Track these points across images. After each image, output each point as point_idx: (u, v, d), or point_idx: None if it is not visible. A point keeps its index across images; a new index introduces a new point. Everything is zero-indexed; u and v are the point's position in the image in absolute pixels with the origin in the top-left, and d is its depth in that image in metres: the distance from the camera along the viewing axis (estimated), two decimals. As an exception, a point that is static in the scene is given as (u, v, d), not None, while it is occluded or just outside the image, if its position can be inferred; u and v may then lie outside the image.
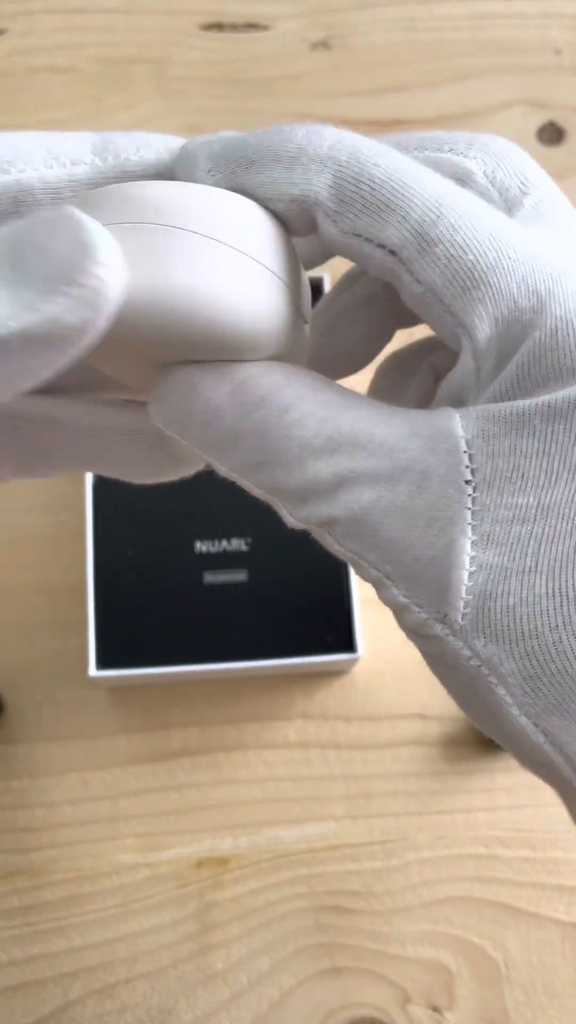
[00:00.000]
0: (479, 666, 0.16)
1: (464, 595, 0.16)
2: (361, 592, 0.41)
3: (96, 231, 0.14)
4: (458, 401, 0.18)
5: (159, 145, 0.18)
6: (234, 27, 0.54)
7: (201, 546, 0.41)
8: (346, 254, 0.18)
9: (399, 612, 0.17)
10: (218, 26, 0.53)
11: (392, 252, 0.17)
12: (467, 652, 0.16)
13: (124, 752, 0.42)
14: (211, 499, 0.41)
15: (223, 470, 0.18)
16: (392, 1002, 0.40)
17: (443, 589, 0.16)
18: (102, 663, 0.39)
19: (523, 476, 0.16)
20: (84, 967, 0.40)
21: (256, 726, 0.43)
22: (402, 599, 0.17)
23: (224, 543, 0.41)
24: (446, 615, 0.16)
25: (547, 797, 0.42)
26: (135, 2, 0.54)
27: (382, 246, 0.17)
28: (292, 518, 0.18)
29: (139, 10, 0.54)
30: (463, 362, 0.17)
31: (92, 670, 0.39)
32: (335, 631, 0.40)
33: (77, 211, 0.14)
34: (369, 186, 0.17)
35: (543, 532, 0.16)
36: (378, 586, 0.17)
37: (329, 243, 0.18)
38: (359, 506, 0.17)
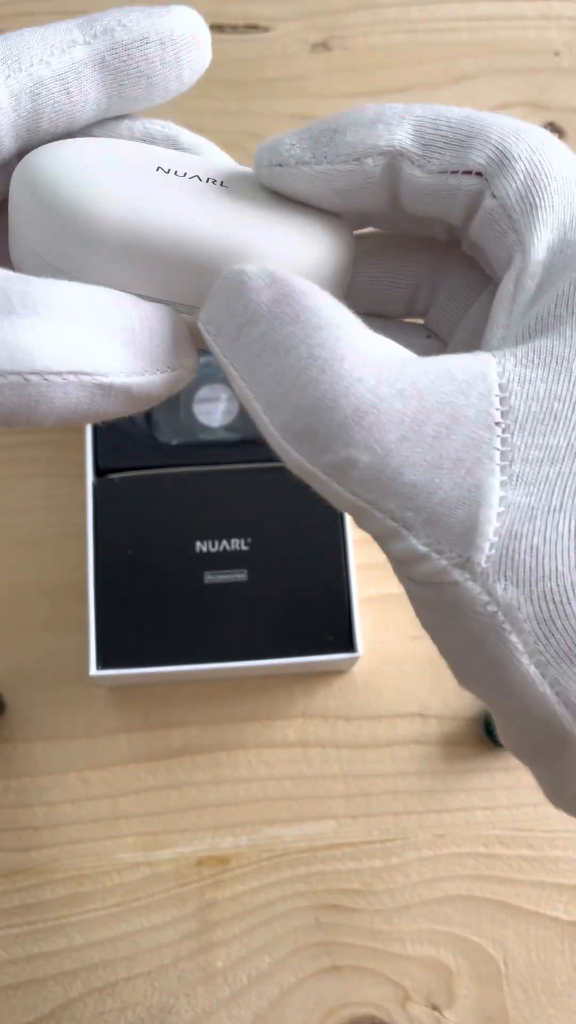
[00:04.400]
0: (495, 612, 0.16)
1: (491, 536, 0.16)
2: (361, 592, 0.42)
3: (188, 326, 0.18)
4: (487, 331, 0.18)
5: (138, 15, 0.20)
6: (234, 28, 0.54)
7: (201, 546, 0.41)
8: (431, 197, 0.19)
9: (413, 563, 0.17)
10: (218, 27, 0.53)
11: (479, 174, 0.18)
12: (485, 597, 0.16)
13: (124, 751, 0.43)
14: (211, 499, 0.41)
15: (240, 390, 0.17)
16: (392, 1000, 0.40)
17: (470, 531, 0.16)
18: (102, 663, 0.39)
19: (556, 418, 0.16)
20: (85, 965, 0.40)
21: (256, 725, 0.43)
22: (421, 548, 0.16)
23: (224, 543, 0.41)
24: (469, 558, 0.16)
25: (546, 796, 0.42)
26: (134, 3, 0.54)
27: (468, 172, 0.18)
28: (302, 458, 0.17)
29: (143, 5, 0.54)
30: (503, 288, 0.18)
31: (92, 670, 0.39)
32: (335, 631, 0.40)
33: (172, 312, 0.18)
34: (448, 124, 0.18)
35: (571, 471, 0.16)
36: (391, 537, 0.17)
37: (415, 191, 0.19)
38: (382, 447, 0.16)
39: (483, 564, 0.16)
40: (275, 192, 0.20)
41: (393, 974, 0.40)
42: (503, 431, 0.16)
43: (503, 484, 0.16)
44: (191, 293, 0.19)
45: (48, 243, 0.18)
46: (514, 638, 0.16)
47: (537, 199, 0.18)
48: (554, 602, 0.16)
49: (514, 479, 0.16)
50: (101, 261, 0.18)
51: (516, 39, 0.54)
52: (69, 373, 0.17)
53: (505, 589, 0.16)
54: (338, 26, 0.54)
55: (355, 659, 0.40)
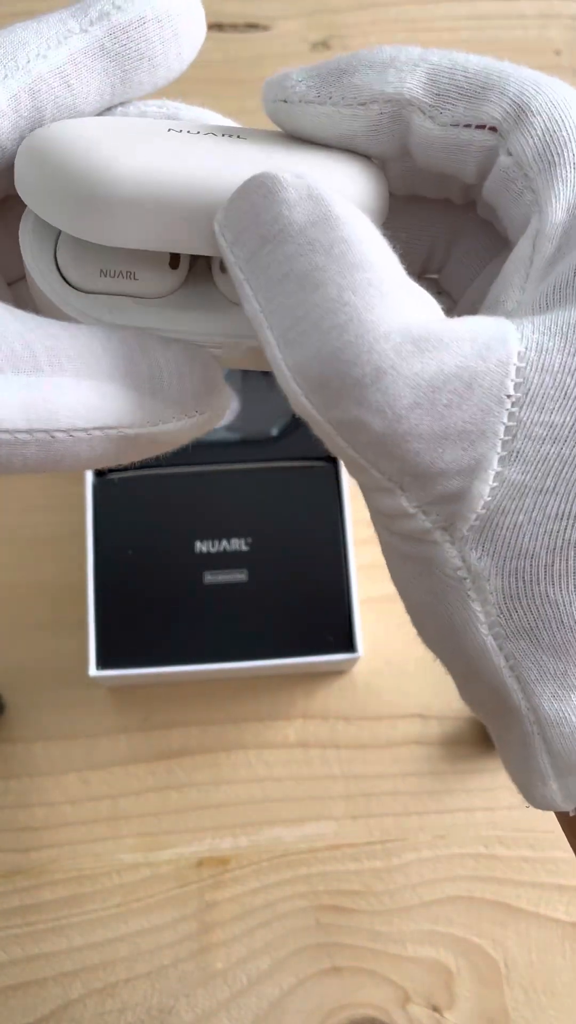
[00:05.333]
0: (464, 579, 0.16)
1: (479, 509, 0.16)
2: (361, 592, 0.41)
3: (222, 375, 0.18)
4: (500, 293, 0.17)
5: None
6: (234, 27, 0.54)
7: (201, 546, 0.41)
8: (442, 152, 0.18)
9: (398, 519, 0.17)
10: (218, 26, 0.53)
11: (493, 129, 0.17)
12: (458, 563, 0.16)
13: (124, 752, 0.42)
14: (211, 499, 0.41)
15: (251, 309, 0.16)
16: (392, 1002, 0.40)
17: (460, 500, 0.16)
18: (102, 663, 0.39)
19: (566, 395, 0.16)
20: (84, 966, 0.40)
21: (256, 726, 0.43)
22: (410, 508, 0.16)
23: (224, 543, 0.41)
24: (453, 524, 0.16)
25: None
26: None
27: (482, 127, 0.17)
28: (309, 405, 0.16)
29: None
30: (518, 249, 0.17)
31: (92, 670, 0.39)
32: (335, 631, 0.40)
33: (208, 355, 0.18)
34: (464, 75, 0.17)
35: (571, 454, 0.16)
36: (382, 493, 0.16)
37: (427, 143, 0.18)
38: (393, 412, 0.15)
39: (464, 532, 0.16)
40: (298, 139, 0.19)
41: (393, 975, 0.40)
42: (512, 404, 0.16)
43: (502, 460, 0.16)
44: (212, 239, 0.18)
45: (64, 212, 0.17)
46: (477, 607, 0.16)
47: (556, 156, 0.17)
48: (523, 580, 0.16)
49: (513, 455, 0.16)
50: (122, 218, 0.17)
51: (516, 38, 0.54)
52: (95, 429, 0.16)
53: (480, 559, 0.16)
54: (338, 25, 0.54)
55: (355, 659, 0.40)
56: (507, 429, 0.16)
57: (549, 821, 0.42)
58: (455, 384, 0.15)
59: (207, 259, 0.19)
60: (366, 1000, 0.40)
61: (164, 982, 0.40)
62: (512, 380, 0.15)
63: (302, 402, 0.16)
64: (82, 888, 0.41)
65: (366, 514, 0.49)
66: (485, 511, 0.16)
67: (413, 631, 0.48)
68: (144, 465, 0.43)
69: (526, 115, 0.17)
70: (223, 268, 0.18)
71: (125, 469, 0.41)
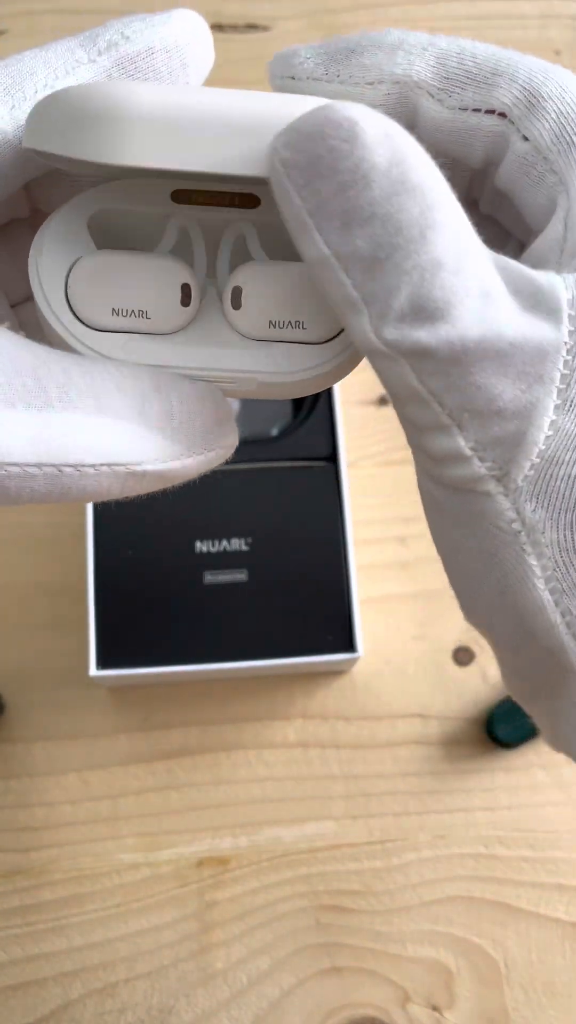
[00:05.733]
0: (519, 532, 0.16)
1: (534, 457, 0.16)
2: (361, 592, 0.41)
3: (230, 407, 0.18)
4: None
5: (140, 25, 0.19)
6: (234, 28, 0.54)
7: (201, 546, 0.41)
8: (449, 136, 0.18)
9: (451, 463, 0.16)
10: (218, 27, 0.53)
11: (502, 115, 0.17)
12: (512, 515, 0.16)
13: (124, 752, 0.42)
14: (211, 499, 0.41)
15: (316, 253, 0.16)
16: (392, 1001, 0.40)
17: (516, 446, 0.16)
18: (102, 663, 0.39)
19: None
20: (84, 966, 0.40)
21: (256, 726, 0.43)
22: (467, 450, 0.16)
23: (224, 543, 0.41)
24: (508, 473, 0.16)
25: (547, 796, 0.42)
26: (135, 3, 0.54)
27: (491, 112, 0.17)
28: (373, 335, 0.16)
29: (139, 11, 0.54)
30: (550, 230, 0.17)
31: (92, 670, 0.39)
32: (335, 631, 0.40)
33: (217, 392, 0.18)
34: (473, 60, 0.18)
35: None
36: (439, 432, 0.16)
37: (434, 126, 0.18)
38: (462, 344, 0.15)
39: (519, 482, 0.16)
40: None
41: (393, 975, 0.40)
42: (567, 352, 0.16)
43: (557, 408, 0.16)
44: (240, 160, 0.17)
45: (80, 141, 0.16)
46: (533, 561, 0.16)
47: (575, 136, 0.17)
48: None
49: (568, 404, 0.16)
50: (140, 140, 0.16)
51: (517, 38, 0.54)
52: (103, 465, 0.17)
53: (534, 511, 0.16)
54: (338, 25, 0.54)
55: (355, 659, 0.40)
56: (562, 377, 0.16)
57: (549, 822, 0.42)
58: (519, 325, 0.16)
59: (218, 293, 0.19)
60: (366, 1000, 0.40)
61: (164, 982, 0.40)
62: (568, 328, 0.16)
63: (369, 337, 0.16)
64: (82, 888, 0.41)
65: (366, 514, 0.49)
66: (539, 460, 0.16)
67: (413, 631, 0.48)
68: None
69: (538, 100, 0.17)
70: (235, 303, 0.19)
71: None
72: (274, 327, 0.19)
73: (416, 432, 0.17)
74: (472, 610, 0.18)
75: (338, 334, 0.19)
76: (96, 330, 0.19)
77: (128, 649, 0.39)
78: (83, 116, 0.16)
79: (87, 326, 0.19)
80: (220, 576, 0.41)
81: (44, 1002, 0.39)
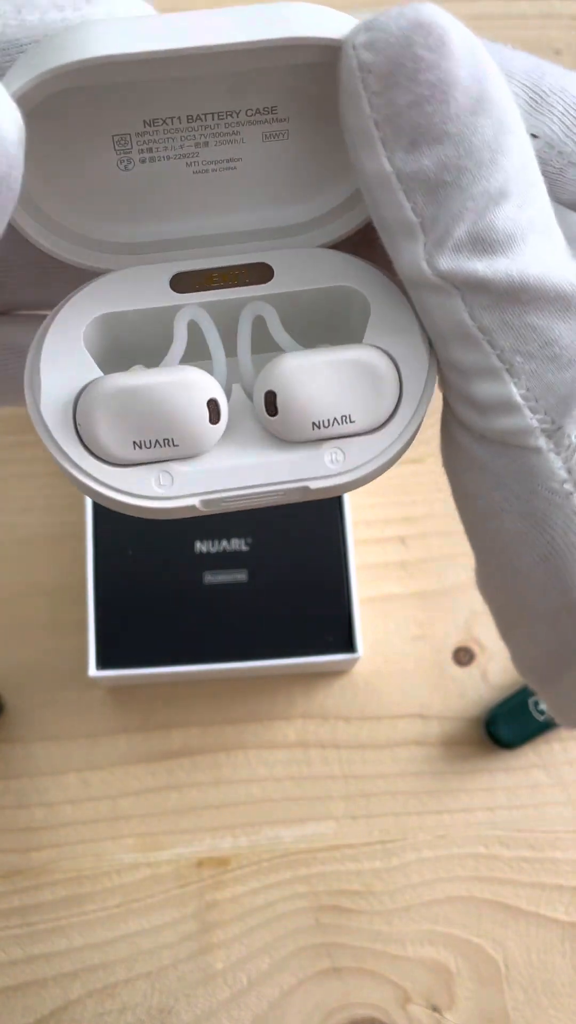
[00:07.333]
0: (571, 493, 0.15)
1: None
2: (361, 592, 0.41)
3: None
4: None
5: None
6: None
7: (201, 546, 0.41)
8: None
9: (498, 413, 0.15)
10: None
11: None
12: (564, 474, 0.15)
13: (124, 752, 0.42)
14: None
15: (374, 167, 0.14)
16: (392, 1002, 0.40)
17: (571, 397, 0.15)
18: (102, 663, 0.39)
19: None
20: (84, 967, 0.40)
21: (256, 726, 0.43)
22: (517, 397, 0.15)
23: (224, 543, 0.41)
24: (560, 427, 0.15)
25: (547, 797, 0.42)
26: (135, 2, 0.54)
27: None
28: (426, 264, 0.15)
29: (139, 10, 0.54)
30: None
31: (92, 670, 0.39)
32: (335, 631, 0.40)
33: None
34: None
35: None
36: (488, 377, 0.15)
37: None
38: (521, 279, 0.14)
39: (573, 438, 0.15)
40: None
41: (393, 975, 0.40)
42: None
43: None
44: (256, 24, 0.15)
45: (51, 49, 0.14)
46: None
47: None
48: None
49: None
50: (117, 30, 0.14)
51: (517, 38, 0.54)
52: None
53: None
54: (338, 25, 0.54)
55: (355, 659, 0.40)
56: None
57: (549, 822, 0.42)
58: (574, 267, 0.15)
59: (246, 392, 0.17)
60: (366, 1000, 0.40)
61: (164, 982, 0.40)
62: None
63: (422, 266, 0.15)
64: (82, 888, 0.41)
65: (366, 514, 0.49)
66: None
67: (413, 631, 0.48)
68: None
69: (541, 96, 0.17)
70: (270, 410, 0.17)
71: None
72: (318, 427, 0.17)
73: (460, 379, 0.16)
74: (498, 580, 0.17)
75: (391, 416, 0.17)
76: (119, 466, 0.17)
77: (128, 649, 0.39)
78: (50, 39, 0.14)
79: (107, 463, 0.17)
80: (220, 576, 0.40)
81: (44, 1002, 0.39)
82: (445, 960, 0.40)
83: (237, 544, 0.41)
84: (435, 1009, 0.40)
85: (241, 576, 0.40)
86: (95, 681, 0.40)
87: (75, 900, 0.41)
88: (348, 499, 0.41)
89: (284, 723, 0.43)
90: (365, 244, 0.18)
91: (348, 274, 0.18)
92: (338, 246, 0.18)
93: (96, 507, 0.41)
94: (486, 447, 0.16)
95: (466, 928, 0.41)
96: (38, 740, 0.42)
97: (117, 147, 0.17)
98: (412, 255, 0.15)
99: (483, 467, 0.16)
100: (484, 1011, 0.40)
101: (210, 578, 0.40)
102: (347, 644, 0.40)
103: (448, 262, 0.14)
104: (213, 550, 0.41)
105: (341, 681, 0.43)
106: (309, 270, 0.18)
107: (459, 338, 0.15)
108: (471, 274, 0.14)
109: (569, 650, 0.17)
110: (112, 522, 0.41)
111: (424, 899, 0.41)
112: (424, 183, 0.14)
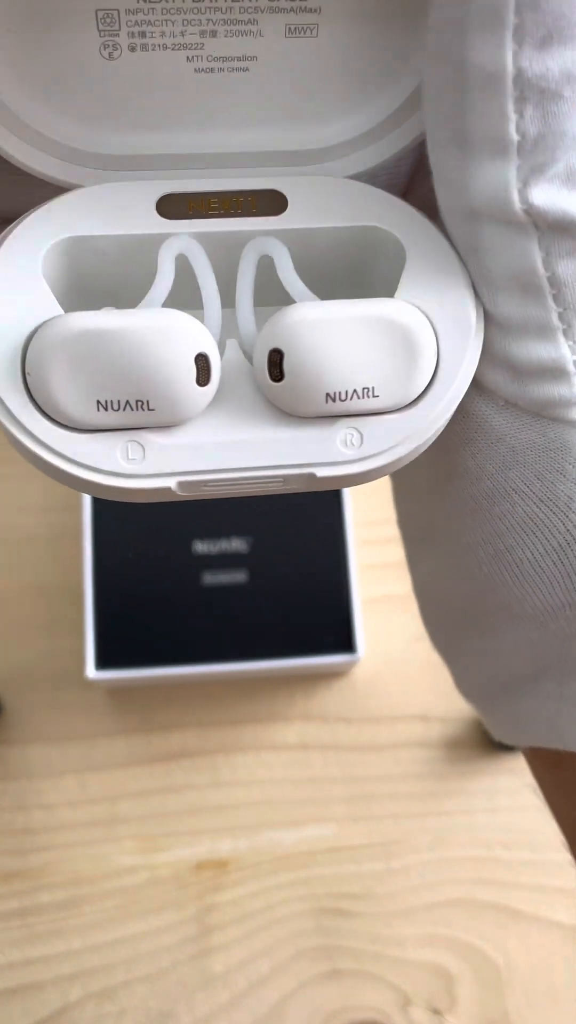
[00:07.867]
0: None
1: None
2: (362, 593, 0.41)
3: None
4: None
5: None
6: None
7: (201, 546, 0.41)
8: None
9: (541, 379, 0.13)
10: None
11: None
12: None
13: (123, 754, 0.42)
14: (210, 499, 0.41)
15: (499, 52, 0.12)
16: (392, 1004, 0.40)
17: None
18: (100, 664, 0.39)
19: None
20: (83, 970, 0.40)
21: (256, 727, 0.43)
22: (571, 364, 0.13)
23: (224, 543, 0.41)
24: None
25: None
26: None
27: None
28: (517, 193, 0.13)
29: None
30: None
31: (90, 671, 0.39)
32: (335, 631, 0.40)
33: None
34: None
35: None
36: (541, 335, 0.13)
37: None
38: None
39: None
40: None
41: (394, 978, 0.40)
42: None
43: None
44: None
45: None
46: None
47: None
48: None
49: None
50: None
51: None
52: None
53: None
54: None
55: (356, 661, 0.40)
56: None
57: (550, 824, 0.42)
58: None
59: (243, 351, 0.14)
60: (366, 1003, 0.40)
61: (163, 985, 0.40)
62: None
63: (510, 193, 0.13)
64: (80, 891, 0.41)
65: (366, 514, 0.49)
66: None
67: (414, 633, 0.48)
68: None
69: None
70: (274, 374, 0.13)
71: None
72: (333, 400, 0.13)
73: (501, 336, 0.14)
74: (485, 572, 0.15)
75: (424, 392, 0.14)
76: (77, 431, 0.13)
77: (126, 650, 0.39)
78: None
79: (62, 426, 0.13)
80: (219, 576, 0.40)
81: (42, 1005, 0.39)
82: (446, 963, 0.40)
83: (237, 544, 0.41)
84: (436, 1012, 0.40)
85: (241, 576, 0.40)
86: (93, 682, 0.40)
87: (73, 902, 0.40)
88: (349, 499, 0.41)
89: (284, 724, 0.43)
90: (394, 186, 0.16)
91: (379, 212, 0.14)
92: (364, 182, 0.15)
93: (95, 506, 0.41)
94: (511, 418, 0.14)
95: (467, 930, 0.40)
96: (36, 742, 0.42)
97: (101, 26, 0.13)
98: (497, 179, 0.12)
99: (499, 440, 0.14)
100: (485, 1014, 0.40)
101: (209, 578, 0.40)
102: (348, 645, 0.40)
103: (542, 195, 0.12)
104: (212, 550, 0.41)
105: (341, 682, 0.43)
106: (331, 204, 0.14)
107: (518, 288, 0.13)
108: (564, 212, 0.12)
109: (548, 658, 0.15)
110: (111, 522, 0.40)
111: (425, 901, 0.41)
112: (541, 93, 0.11)
